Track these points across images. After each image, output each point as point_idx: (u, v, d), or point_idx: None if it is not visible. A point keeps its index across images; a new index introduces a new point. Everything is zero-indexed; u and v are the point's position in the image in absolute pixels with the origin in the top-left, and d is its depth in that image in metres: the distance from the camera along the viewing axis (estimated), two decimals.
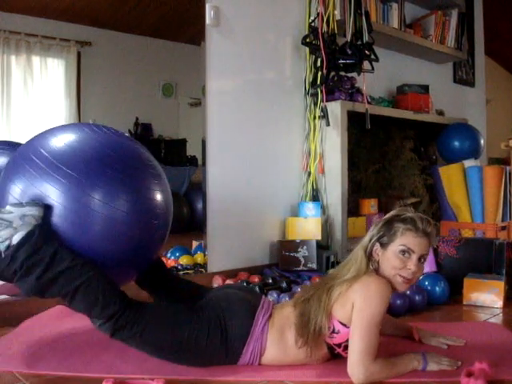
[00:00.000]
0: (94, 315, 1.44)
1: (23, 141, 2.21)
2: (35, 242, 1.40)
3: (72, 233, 1.45)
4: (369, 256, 1.53)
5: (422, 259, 1.51)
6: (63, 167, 1.46)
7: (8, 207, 1.43)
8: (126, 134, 1.72)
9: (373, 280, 1.45)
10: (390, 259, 1.50)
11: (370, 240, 1.54)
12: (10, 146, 2.03)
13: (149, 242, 1.62)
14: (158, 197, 1.60)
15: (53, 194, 1.44)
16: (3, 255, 1.42)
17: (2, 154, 1.96)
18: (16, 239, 1.41)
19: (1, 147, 2.02)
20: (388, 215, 1.57)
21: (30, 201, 1.43)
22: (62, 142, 1.52)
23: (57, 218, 1.44)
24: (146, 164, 1.63)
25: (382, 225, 1.55)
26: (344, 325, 1.47)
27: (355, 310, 1.42)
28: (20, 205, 1.42)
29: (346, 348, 1.50)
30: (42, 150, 1.51)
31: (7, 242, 1.42)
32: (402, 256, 1.49)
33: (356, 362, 1.38)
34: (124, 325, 1.43)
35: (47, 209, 1.43)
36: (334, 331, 1.48)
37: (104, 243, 1.48)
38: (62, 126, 1.64)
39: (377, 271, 1.52)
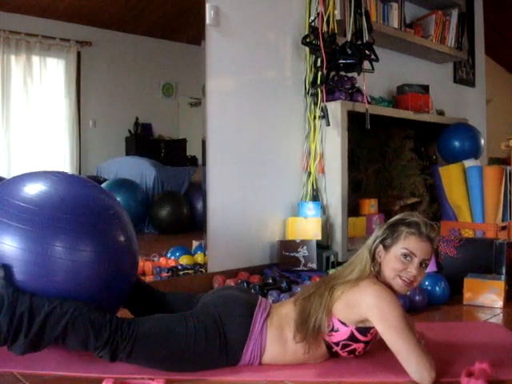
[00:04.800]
0: (90, 348, 1.42)
1: (22, 142, 2.21)
2: (9, 304, 1.38)
3: (37, 284, 1.43)
4: (372, 258, 1.53)
5: (423, 264, 1.50)
6: (20, 219, 1.45)
7: None
8: (79, 176, 1.74)
9: (376, 289, 1.45)
10: (392, 262, 1.50)
11: (374, 241, 1.54)
12: None
13: (119, 276, 1.61)
14: (120, 235, 1.61)
15: (10, 247, 1.42)
16: None
17: None
18: None
19: None
20: (393, 218, 1.58)
21: None
22: (25, 190, 1.52)
23: (19, 272, 1.42)
24: (103, 206, 1.63)
25: (386, 227, 1.55)
26: (344, 323, 1.48)
27: (379, 326, 1.42)
28: None
29: (343, 347, 1.50)
30: (1, 200, 1.50)
31: None
32: (404, 259, 1.49)
33: (416, 366, 1.37)
34: (118, 345, 1.41)
35: (7, 268, 1.40)
36: (333, 329, 1.49)
37: (72, 288, 1.46)
38: (23, 174, 1.64)
39: (378, 274, 1.52)
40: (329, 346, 1.52)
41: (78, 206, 1.54)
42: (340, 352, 1.52)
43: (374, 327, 1.47)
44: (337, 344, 1.50)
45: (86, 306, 1.43)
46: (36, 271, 1.43)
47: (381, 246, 1.53)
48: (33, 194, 1.52)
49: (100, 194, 1.68)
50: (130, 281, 1.70)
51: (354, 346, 1.50)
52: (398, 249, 1.50)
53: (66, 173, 1.71)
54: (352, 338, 1.49)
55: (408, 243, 1.49)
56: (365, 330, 1.49)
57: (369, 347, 1.55)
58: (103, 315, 1.44)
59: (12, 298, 1.38)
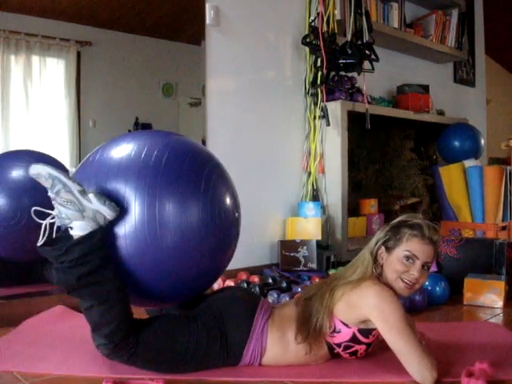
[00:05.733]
0: (98, 333, 1.41)
1: (22, 142, 2.20)
2: (93, 244, 1.37)
3: (143, 245, 1.40)
4: (374, 259, 1.53)
5: (425, 267, 1.50)
6: (143, 175, 1.42)
7: (91, 195, 1.38)
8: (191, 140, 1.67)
9: (377, 289, 1.45)
10: (394, 264, 1.49)
11: (376, 243, 1.54)
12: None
13: (223, 250, 1.56)
14: (229, 206, 1.55)
15: (127, 201, 1.40)
16: (54, 231, 1.40)
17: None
18: (76, 227, 1.38)
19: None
20: (396, 220, 1.57)
21: (112, 203, 1.38)
22: (140, 149, 1.47)
23: (127, 227, 1.40)
24: (220, 171, 1.60)
25: (388, 229, 1.55)
26: (346, 325, 1.47)
27: (380, 326, 1.42)
28: (102, 200, 1.37)
29: (345, 348, 1.50)
30: (120, 156, 1.47)
31: (66, 222, 1.39)
32: (406, 261, 1.48)
33: (417, 366, 1.37)
34: (121, 348, 1.41)
35: (120, 216, 1.39)
36: (335, 330, 1.48)
37: (177, 253, 1.42)
38: (138, 132, 1.60)
39: (380, 275, 1.52)
40: (330, 347, 1.52)
41: (195, 167, 1.50)
42: (342, 353, 1.52)
43: (376, 329, 1.46)
44: (339, 345, 1.50)
45: (129, 306, 1.44)
46: (142, 230, 1.39)
47: (383, 248, 1.52)
48: (148, 152, 1.47)
49: (214, 157, 1.64)
50: (229, 258, 1.63)
51: (356, 347, 1.50)
52: (401, 251, 1.49)
53: (177, 134, 1.68)
54: (354, 339, 1.48)
55: (410, 245, 1.49)
56: (367, 331, 1.49)
57: (371, 349, 1.55)
58: (132, 322, 1.44)
59: (98, 244, 1.38)
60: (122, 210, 1.39)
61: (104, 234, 1.39)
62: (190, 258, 1.45)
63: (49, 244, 1.41)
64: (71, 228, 1.40)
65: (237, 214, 1.58)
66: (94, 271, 1.37)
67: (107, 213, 1.38)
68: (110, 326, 1.39)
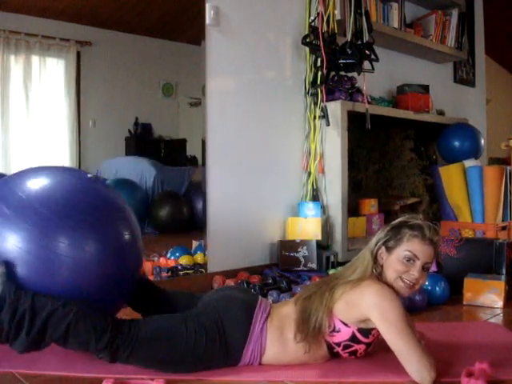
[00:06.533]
0: (91, 349, 1.41)
1: (22, 142, 2.20)
2: (11, 302, 1.37)
3: (40, 282, 1.42)
4: (374, 259, 1.53)
5: (425, 267, 1.50)
6: (28, 213, 1.45)
7: None
8: (90, 175, 1.73)
9: (378, 288, 1.45)
10: (394, 264, 1.49)
11: (377, 243, 1.54)
12: None
13: (123, 274, 1.61)
14: (125, 232, 1.60)
15: (13, 244, 1.41)
16: None
17: None
18: None
19: None
20: (396, 220, 1.57)
21: None
22: (30, 186, 1.52)
23: (23, 267, 1.41)
24: (107, 202, 1.64)
25: (389, 229, 1.55)
26: (345, 324, 1.47)
27: (379, 325, 1.42)
28: None
29: (344, 347, 1.50)
30: (7, 196, 1.49)
31: None
32: (406, 262, 1.49)
33: (416, 366, 1.37)
34: (118, 348, 1.40)
35: (9, 264, 1.39)
36: (334, 329, 1.48)
37: (76, 285, 1.46)
38: (31, 168, 1.64)
39: (380, 275, 1.52)
40: (330, 347, 1.52)
41: (81, 202, 1.54)
42: (341, 353, 1.52)
43: (375, 328, 1.46)
44: (338, 344, 1.50)
45: (88, 308, 1.43)
46: (39, 269, 1.43)
47: (383, 248, 1.52)
48: (36, 189, 1.51)
49: (104, 190, 1.68)
50: (134, 278, 1.69)
51: (356, 347, 1.50)
52: (401, 251, 1.49)
53: (71, 168, 1.71)
54: (353, 338, 1.49)
55: (411, 246, 1.49)
56: (366, 331, 1.49)
57: (370, 349, 1.55)
58: (105, 317, 1.44)
59: (14, 296, 1.37)
60: (3, 259, 1.39)
61: (11, 286, 1.38)
62: (88, 286, 1.49)
63: None
64: None
65: (130, 237, 1.62)
66: (34, 317, 1.37)
67: None
68: (91, 339, 1.39)
